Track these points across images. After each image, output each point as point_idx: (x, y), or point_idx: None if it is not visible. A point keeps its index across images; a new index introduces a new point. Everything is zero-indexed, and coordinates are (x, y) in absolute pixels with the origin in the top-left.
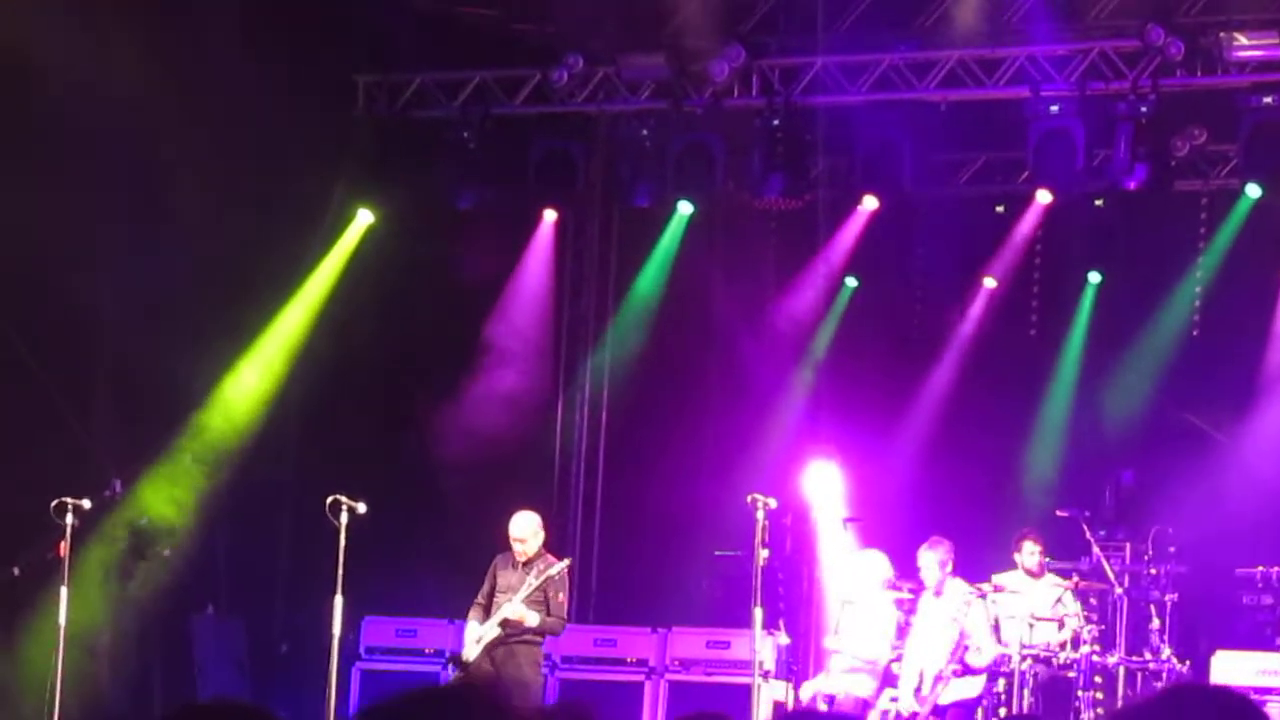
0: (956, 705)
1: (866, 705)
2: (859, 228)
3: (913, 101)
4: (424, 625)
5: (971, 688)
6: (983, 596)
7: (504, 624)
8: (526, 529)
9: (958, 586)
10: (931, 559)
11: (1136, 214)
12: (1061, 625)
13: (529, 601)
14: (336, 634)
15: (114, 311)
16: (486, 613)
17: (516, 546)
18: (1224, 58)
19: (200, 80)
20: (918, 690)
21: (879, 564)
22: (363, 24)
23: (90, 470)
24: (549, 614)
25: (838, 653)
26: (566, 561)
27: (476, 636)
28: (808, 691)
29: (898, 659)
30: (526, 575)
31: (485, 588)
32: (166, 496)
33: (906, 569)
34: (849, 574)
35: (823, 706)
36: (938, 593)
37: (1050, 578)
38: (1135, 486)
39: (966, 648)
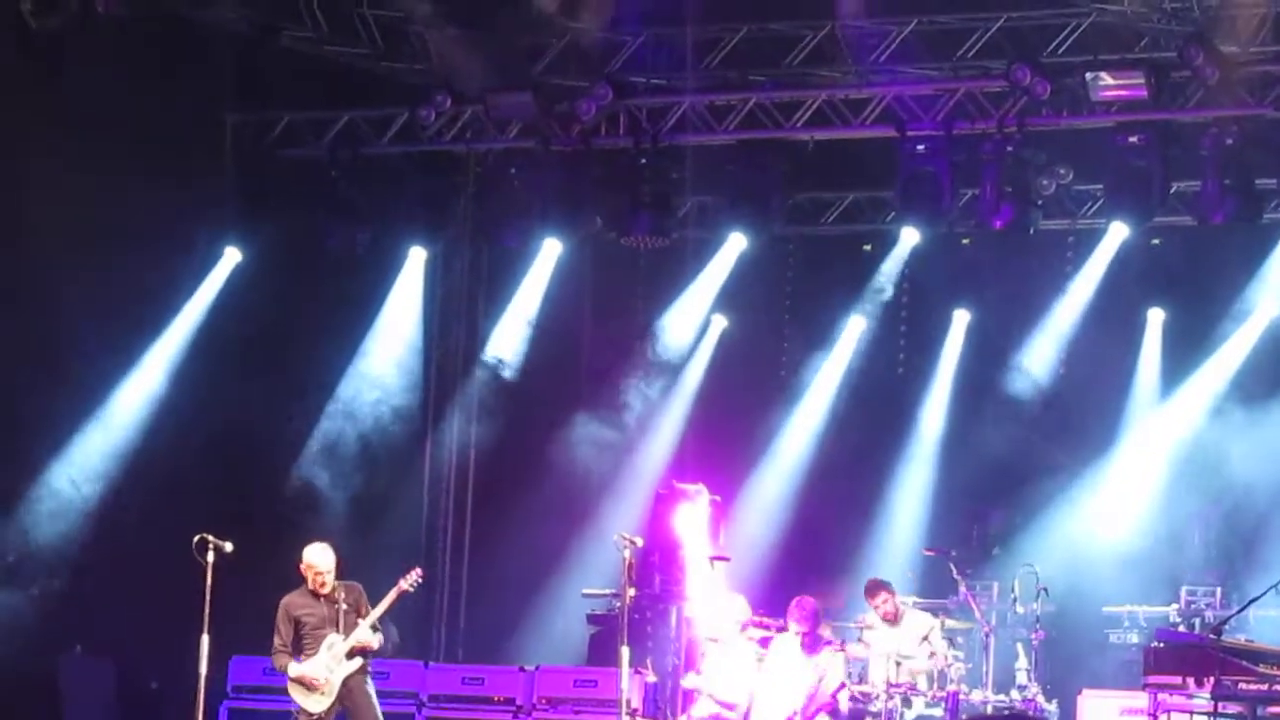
0: None
1: None
2: (727, 266)
3: (780, 141)
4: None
5: None
6: (842, 649)
7: (358, 652)
8: (331, 559)
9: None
10: (800, 620)
11: (1003, 252)
12: (928, 655)
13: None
14: (203, 672)
15: None
16: (298, 658)
17: (322, 579)
18: (1089, 98)
19: (67, 116)
20: None
21: (738, 608)
22: (231, 62)
23: None
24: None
25: (698, 691)
26: (417, 571)
27: (321, 676)
28: None
29: None
30: (334, 605)
31: (285, 634)
32: None
33: (773, 605)
34: (713, 616)
35: None
36: (807, 649)
37: (917, 615)
38: (1002, 525)
39: (834, 699)
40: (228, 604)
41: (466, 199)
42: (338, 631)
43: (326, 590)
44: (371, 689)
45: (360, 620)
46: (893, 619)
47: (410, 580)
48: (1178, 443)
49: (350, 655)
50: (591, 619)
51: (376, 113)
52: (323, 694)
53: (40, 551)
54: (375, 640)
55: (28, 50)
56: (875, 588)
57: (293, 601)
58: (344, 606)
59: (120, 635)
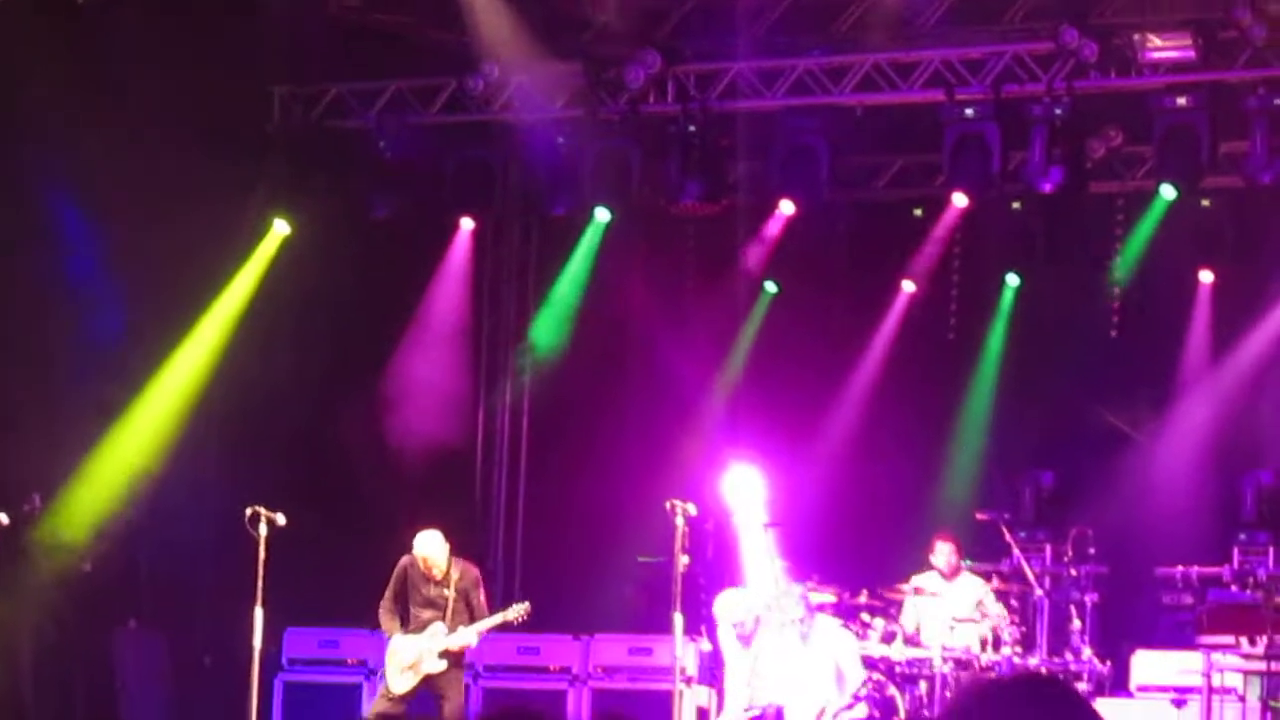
0: None
1: None
2: (777, 232)
3: (828, 106)
4: (346, 635)
5: (859, 711)
6: (846, 626)
7: (445, 655)
8: (439, 548)
9: (825, 622)
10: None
11: (1053, 216)
12: (982, 619)
13: (467, 621)
14: (258, 646)
15: (31, 321)
16: (403, 622)
17: (431, 568)
18: (1138, 59)
19: (113, 91)
20: None
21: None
22: (278, 34)
23: (9, 485)
24: (475, 619)
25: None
26: (526, 605)
27: (409, 662)
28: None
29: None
30: (444, 589)
31: (395, 590)
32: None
33: (826, 572)
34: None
35: None
36: (804, 636)
37: (970, 579)
38: (1055, 488)
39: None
40: (281, 577)
41: (515, 169)
42: (444, 620)
43: (438, 577)
44: (458, 677)
45: (463, 624)
46: (950, 575)
47: (515, 613)
48: (1229, 403)
49: (441, 655)
50: (645, 586)
51: (424, 82)
52: (410, 674)
53: (93, 525)
54: (473, 640)
55: (72, 23)
56: (940, 539)
57: (408, 568)
58: (453, 594)
59: (174, 609)
